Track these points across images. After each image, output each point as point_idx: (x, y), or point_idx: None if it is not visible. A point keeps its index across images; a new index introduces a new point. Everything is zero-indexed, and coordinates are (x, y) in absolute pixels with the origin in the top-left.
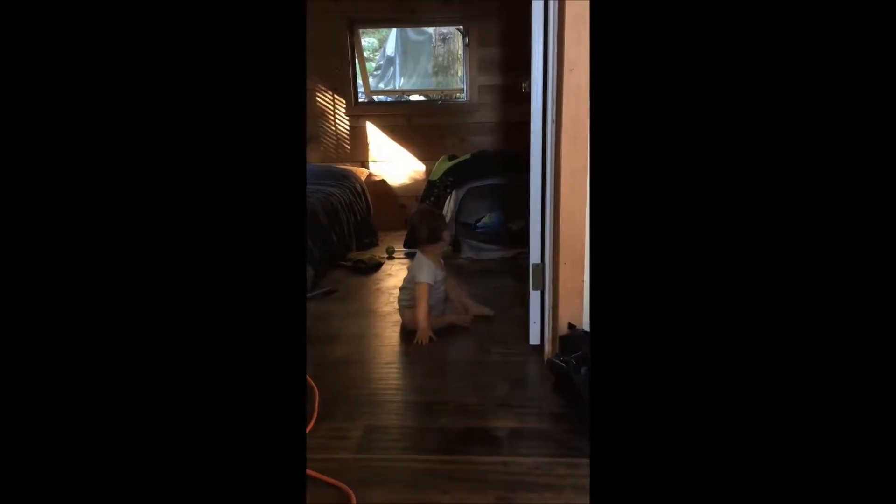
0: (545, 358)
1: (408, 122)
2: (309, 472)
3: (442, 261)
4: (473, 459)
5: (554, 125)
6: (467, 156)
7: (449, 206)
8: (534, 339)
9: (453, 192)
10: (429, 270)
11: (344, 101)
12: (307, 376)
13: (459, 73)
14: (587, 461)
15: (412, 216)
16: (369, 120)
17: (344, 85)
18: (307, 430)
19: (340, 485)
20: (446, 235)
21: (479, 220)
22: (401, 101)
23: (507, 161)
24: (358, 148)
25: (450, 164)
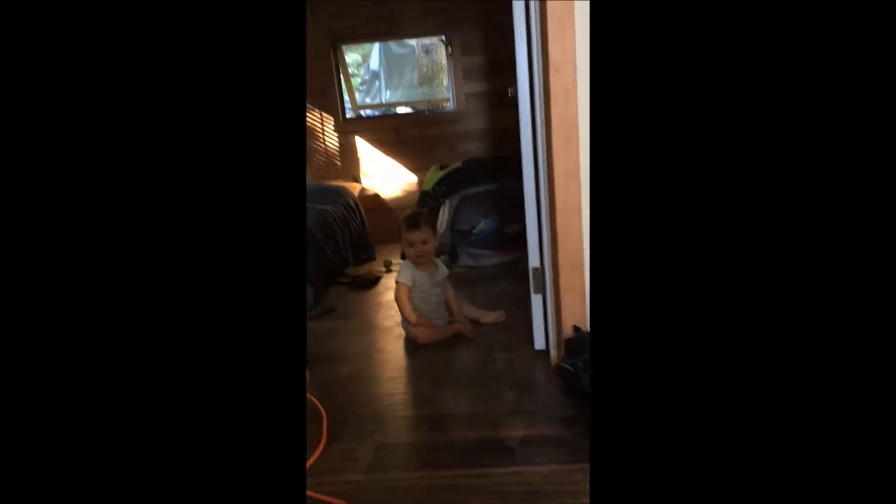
0: (551, 362)
1: (396, 134)
2: (321, 496)
3: (440, 267)
4: (487, 472)
5: (543, 127)
6: (458, 164)
7: (443, 216)
8: (538, 343)
9: (447, 202)
10: (407, 272)
11: (332, 118)
12: (314, 398)
13: (445, 83)
14: None
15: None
16: (358, 135)
17: (330, 102)
18: (317, 453)
19: None
20: (424, 227)
21: (474, 227)
22: (388, 115)
23: (499, 166)
24: (349, 163)
25: (441, 173)
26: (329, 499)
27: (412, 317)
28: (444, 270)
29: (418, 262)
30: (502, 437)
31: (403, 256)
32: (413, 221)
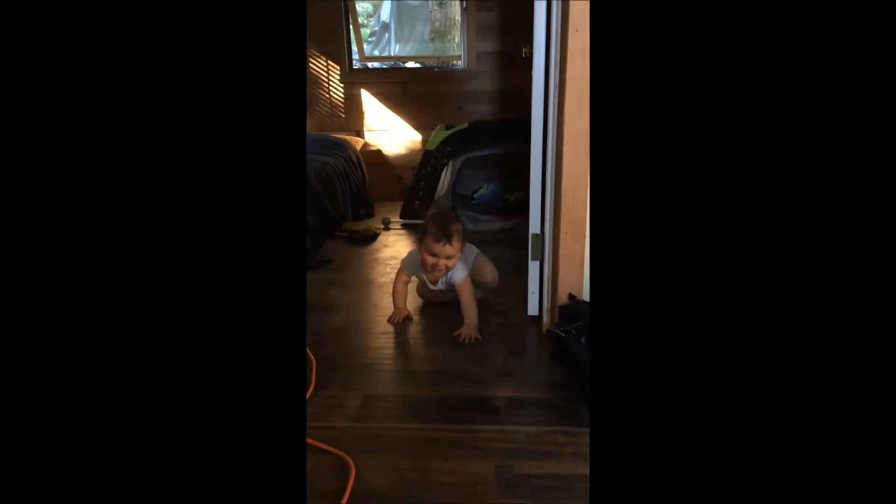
0: (543, 328)
1: (404, 89)
2: (307, 440)
3: (457, 271)
4: (472, 428)
5: (557, 88)
6: (465, 125)
7: (445, 178)
8: (532, 309)
9: (450, 163)
10: (411, 262)
11: (338, 68)
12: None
13: (457, 40)
14: (586, 430)
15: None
16: (364, 87)
17: (338, 52)
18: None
19: (339, 453)
20: (456, 242)
21: (475, 191)
22: (396, 68)
23: (506, 130)
24: (353, 116)
25: (446, 133)
26: (328, 447)
27: (400, 308)
28: (458, 275)
29: (431, 273)
30: (489, 396)
31: (403, 215)
32: (445, 231)
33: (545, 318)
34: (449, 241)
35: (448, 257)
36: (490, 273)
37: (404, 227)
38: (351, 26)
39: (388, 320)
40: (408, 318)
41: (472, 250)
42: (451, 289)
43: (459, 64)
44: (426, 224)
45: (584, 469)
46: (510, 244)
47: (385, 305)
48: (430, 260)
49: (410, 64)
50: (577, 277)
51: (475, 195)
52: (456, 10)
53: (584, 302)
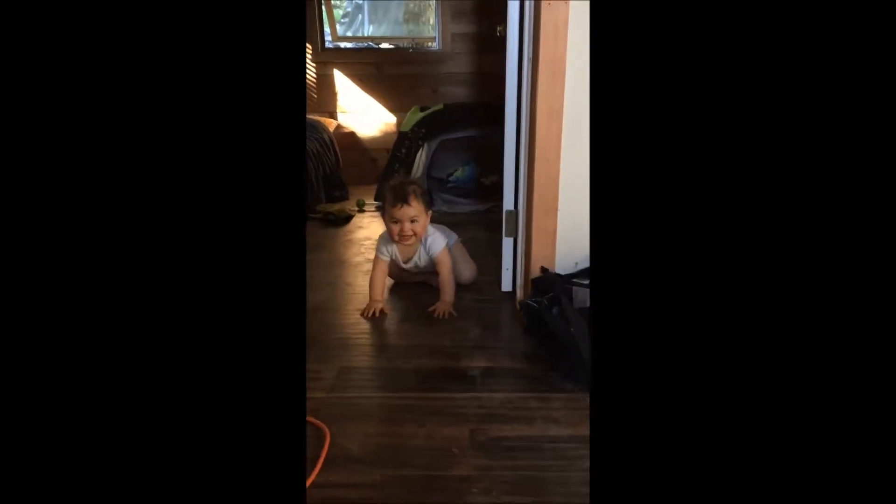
0: (517, 302)
1: (378, 70)
2: None
3: (433, 242)
4: (446, 396)
5: (530, 63)
6: (440, 106)
7: (420, 160)
8: (506, 285)
9: (425, 145)
10: (383, 244)
11: (310, 47)
12: None
13: (431, 21)
14: (557, 395)
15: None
16: (337, 68)
17: (310, 30)
18: None
19: (315, 421)
20: (415, 202)
21: (451, 174)
22: (370, 49)
23: (481, 112)
24: (325, 97)
25: (421, 115)
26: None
27: (377, 298)
28: (437, 245)
29: (402, 242)
30: (464, 367)
31: (378, 197)
32: (401, 194)
33: (519, 293)
34: (405, 201)
35: (412, 220)
36: (468, 271)
37: (379, 209)
38: (323, 6)
39: (362, 314)
40: (382, 312)
41: (452, 235)
42: (428, 266)
43: (434, 45)
44: (384, 197)
45: (555, 431)
46: (485, 226)
47: (360, 283)
48: (395, 227)
49: (384, 45)
50: (550, 251)
51: (451, 178)
52: None
53: (556, 274)
